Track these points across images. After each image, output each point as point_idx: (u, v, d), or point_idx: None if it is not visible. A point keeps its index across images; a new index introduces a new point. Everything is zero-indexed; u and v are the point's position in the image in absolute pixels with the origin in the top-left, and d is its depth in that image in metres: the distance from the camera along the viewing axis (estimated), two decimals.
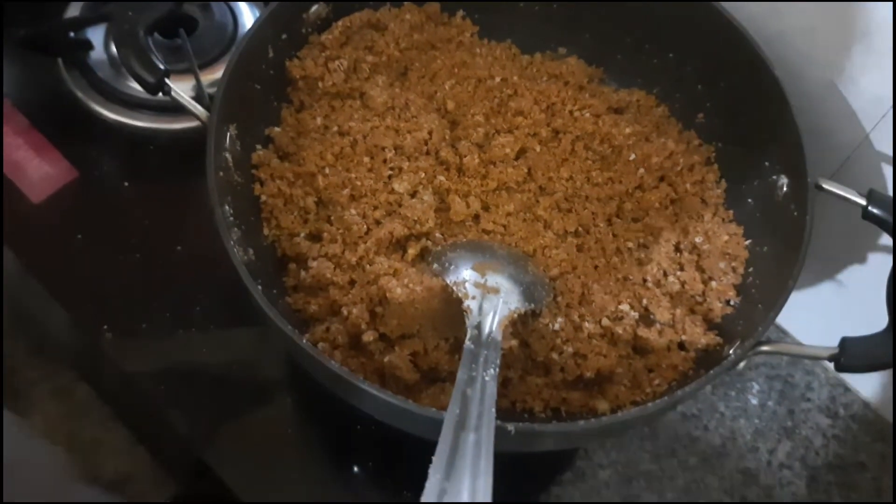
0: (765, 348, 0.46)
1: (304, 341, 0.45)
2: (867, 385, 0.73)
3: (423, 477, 0.37)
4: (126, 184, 0.69)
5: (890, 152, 0.58)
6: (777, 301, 0.46)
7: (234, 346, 0.64)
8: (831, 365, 0.74)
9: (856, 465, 0.70)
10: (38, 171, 0.69)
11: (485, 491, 0.37)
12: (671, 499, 0.68)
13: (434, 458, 0.38)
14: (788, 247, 0.50)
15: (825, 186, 0.51)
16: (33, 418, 0.75)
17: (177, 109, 0.71)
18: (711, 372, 0.44)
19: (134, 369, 0.61)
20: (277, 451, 0.60)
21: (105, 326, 0.62)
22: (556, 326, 0.53)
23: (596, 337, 0.53)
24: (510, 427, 0.41)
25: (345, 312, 0.52)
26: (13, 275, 0.69)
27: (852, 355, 0.44)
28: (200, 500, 0.67)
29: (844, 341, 0.45)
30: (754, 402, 0.73)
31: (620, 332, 0.53)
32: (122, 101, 0.72)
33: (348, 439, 0.61)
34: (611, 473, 0.68)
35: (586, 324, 0.54)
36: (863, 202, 0.50)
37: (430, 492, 0.36)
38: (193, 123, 0.71)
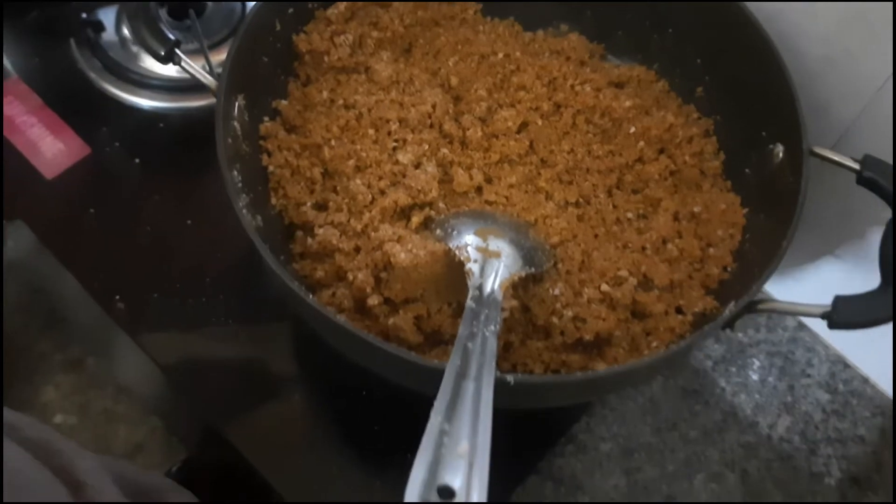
0: (759, 307, 0.47)
1: (311, 298, 0.46)
2: (867, 361, 0.74)
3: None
4: (137, 160, 0.71)
5: (885, 127, 0.59)
6: (771, 261, 0.47)
7: (243, 315, 0.65)
8: (831, 342, 0.76)
9: (855, 438, 0.71)
10: (52, 148, 0.70)
11: (484, 434, 0.38)
12: (672, 471, 0.69)
13: (435, 403, 0.39)
14: (784, 212, 0.51)
15: (819, 152, 0.52)
16: (45, 389, 0.76)
17: (186, 89, 0.73)
18: (706, 328, 0.45)
19: (145, 338, 0.63)
20: (286, 417, 0.62)
21: (117, 297, 0.64)
22: (557, 291, 0.54)
23: (595, 301, 0.54)
24: (510, 378, 0.42)
25: (350, 277, 0.53)
26: (29, 250, 0.71)
27: (844, 312, 0.45)
28: (210, 464, 0.69)
29: (837, 300, 0.46)
30: (755, 378, 0.74)
31: (619, 296, 0.54)
32: (133, 81, 0.74)
33: (355, 404, 0.62)
34: (612, 446, 0.69)
35: (586, 289, 0.55)
36: (857, 167, 0.51)
37: (430, 432, 0.37)
38: (202, 102, 0.73)
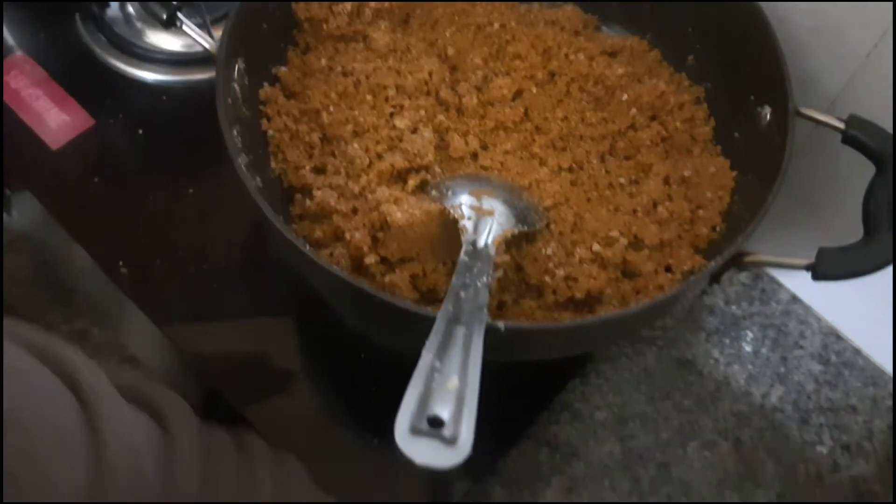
0: (745, 260, 0.48)
1: (309, 248, 0.47)
2: (859, 333, 0.75)
3: None
4: (140, 131, 0.72)
5: (872, 94, 0.60)
6: (757, 215, 0.48)
7: (245, 278, 0.67)
8: (824, 314, 0.77)
9: (847, 408, 0.72)
10: (57, 119, 0.72)
11: (473, 374, 0.39)
12: (665, 439, 0.70)
13: (427, 342, 0.40)
14: (771, 171, 0.52)
15: (805, 113, 0.53)
16: None
17: (189, 63, 0.75)
18: (692, 278, 0.46)
19: (147, 303, 0.64)
20: (285, 377, 0.63)
21: (120, 262, 0.65)
22: (549, 251, 0.55)
23: (587, 261, 0.55)
24: (500, 324, 0.44)
25: (347, 237, 0.54)
26: (36, 223, 0.73)
27: (827, 265, 0.46)
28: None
29: (821, 252, 0.47)
30: (748, 349, 0.75)
31: (610, 255, 0.55)
32: (137, 55, 0.75)
33: (353, 366, 0.64)
34: (607, 414, 0.70)
35: (578, 249, 0.56)
36: (842, 126, 0.52)
37: (421, 368, 0.39)
38: (204, 76, 0.75)
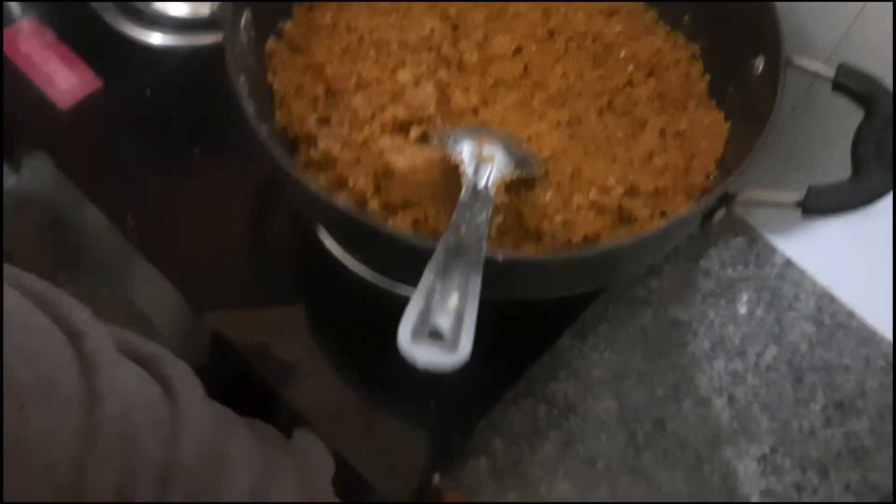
0: (736, 198, 0.50)
1: (315, 186, 0.48)
2: (853, 295, 0.76)
3: None
4: (148, 92, 0.74)
5: (865, 51, 0.61)
6: (747, 158, 0.50)
7: (249, 231, 0.69)
8: (819, 278, 0.78)
9: (840, 367, 0.73)
10: (67, 81, 0.73)
11: (473, 293, 0.41)
12: (661, 396, 0.71)
13: (428, 264, 0.42)
14: (763, 117, 0.53)
15: (797, 62, 0.54)
16: None
17: (195, 26, 0.77)
18: (683, 215, 0.48)
19: (154, 254, 0.66)
20: (289, 324, 0.65)
21: (129, 214, 0.67)
22: (547, 198, 0.57)
23: (584, 207, 0.56)
24: (499, 254, 0.45)
25: (351, 184, 0.56)
26: (45, 184, 0.74)
27: (816, 200, 0.48)
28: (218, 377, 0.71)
29: (810, 189, 0.48)
30: (743, 310, 0.76)
31: (607, 202, 0.56)
32: (146, 19, 0.77)
33: (356, 317, 0.65)
34: (604, 372, 0.72)
35: (575, 196, 0.57)
36: (831, 74, 0.53)
37: (423, 285, 0.40)
38: (210, 40, 0.76)
